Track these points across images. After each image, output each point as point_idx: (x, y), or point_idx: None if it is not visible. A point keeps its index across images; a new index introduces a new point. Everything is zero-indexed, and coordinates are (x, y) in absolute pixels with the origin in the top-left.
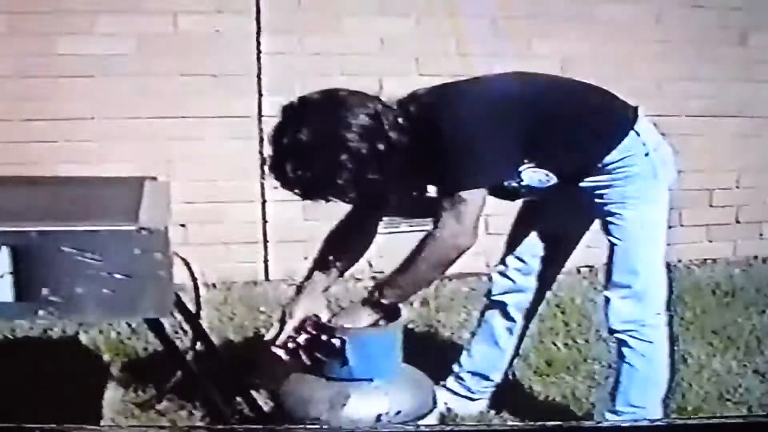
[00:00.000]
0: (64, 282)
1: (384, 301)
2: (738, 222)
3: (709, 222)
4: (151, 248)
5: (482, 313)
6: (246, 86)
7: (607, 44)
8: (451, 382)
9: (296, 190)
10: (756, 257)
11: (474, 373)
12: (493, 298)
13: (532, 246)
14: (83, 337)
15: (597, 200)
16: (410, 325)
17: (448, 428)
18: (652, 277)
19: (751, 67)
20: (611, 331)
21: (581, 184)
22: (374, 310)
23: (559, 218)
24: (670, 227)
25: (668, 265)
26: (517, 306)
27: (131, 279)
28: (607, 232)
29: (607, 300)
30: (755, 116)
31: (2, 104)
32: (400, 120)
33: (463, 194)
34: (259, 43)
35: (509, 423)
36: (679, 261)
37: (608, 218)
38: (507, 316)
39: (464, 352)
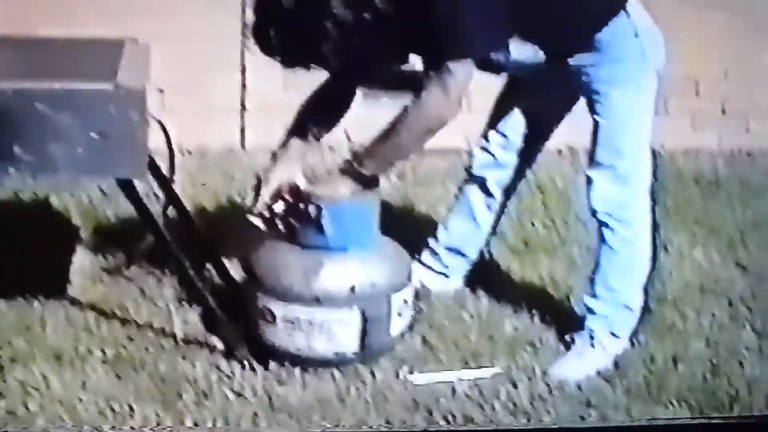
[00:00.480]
0: (38, 140)
1: (363, 171)
2: (724, 113)
3: (695, 111)
4: (128, 108)
5: (461, 188)
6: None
7: None
8: (426, 257)
9: (277, 57)
10: (740, 150)
11: (450, 249)
12: (472, 172)
13: (515, 122)
14: (54, 200)
15: (584, 78)
16: (387, 199)
17: (444, 428)
18: (637, 160)
19: None
20: (593, 212)
21: (569, 62)
22: (352, 180)
23: (544, 95)
24: (655, 114)
25: (652, 152)
26: (496, 182)
27: (106, 139)
28: (593, 111)
29: (590, 180)
30: (746, 10)
31: None
32: None
33: (451, 65)
34: None
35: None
36: (662, 147)
37: (595, 96)
38: (486, 191)
39: (441, 227)
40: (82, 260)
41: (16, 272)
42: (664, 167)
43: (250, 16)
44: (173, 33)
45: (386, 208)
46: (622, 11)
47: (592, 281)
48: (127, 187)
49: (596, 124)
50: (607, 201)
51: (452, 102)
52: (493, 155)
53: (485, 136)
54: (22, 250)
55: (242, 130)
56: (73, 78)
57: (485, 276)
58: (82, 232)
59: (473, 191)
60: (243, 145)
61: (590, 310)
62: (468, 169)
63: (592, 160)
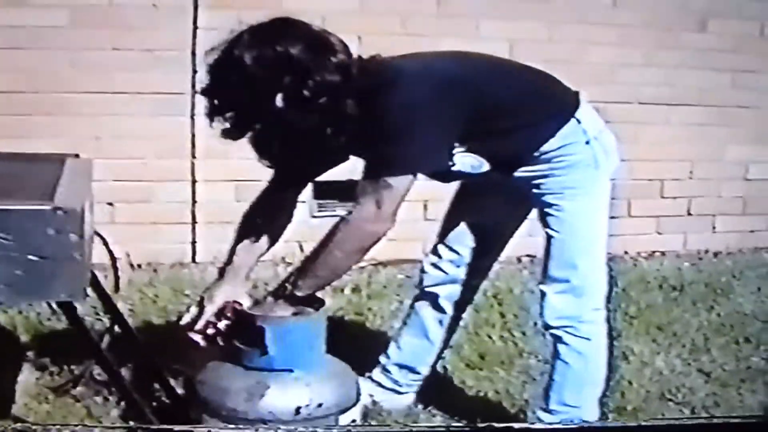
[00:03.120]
0: None
1: (297, 292)
2: (690, 214)
3: (660, 213)
4: (67, 229)
5: (412, 304)
6: (180, 62)
7: (560, 26)
8: (377, 374)
9: (222, 120)
10: (707, 251)
11: (401, 366)
12: (423, 288)
13: (465, 236)
14: (1, 317)
15: (534, 190)
16: (340, 313)
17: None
18: (591, 272)
19: (710, 54)
20: (546, 327)
21: (516, 174)
22: (289, 302)
23: (494, 207)
24: (616, 218)
25: (614, 258)
26: (448, 297)
27: (45, 260)
28: (545, 224)
29: (543, 294)
30: (711, 105)
31: None
32: (337, 76)
33: (390, 179)
34: (195, 19)
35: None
36: (626, 253)
37: (546, 209)
38: (437, 307)
39: (392, 344)
40: (27, 379)
41: None
42: (628, 271)
43: (199, 126)
44: (122, 146)
45: (339, 323)
46: (572, 118)
47: (546, 395)
48: (67, 308)
49: (548, 237)
50: (561, 315)
51: (386, 216)
52: (444, 271)
53: (435, 251)
54: None
55: (193, 243)
56: (11, 198)
57: (439, 390)
58: (28, 350)
59: (424, 307)
60: (194, 259)
61: None
62: (419, 285)
63: (545, 274)
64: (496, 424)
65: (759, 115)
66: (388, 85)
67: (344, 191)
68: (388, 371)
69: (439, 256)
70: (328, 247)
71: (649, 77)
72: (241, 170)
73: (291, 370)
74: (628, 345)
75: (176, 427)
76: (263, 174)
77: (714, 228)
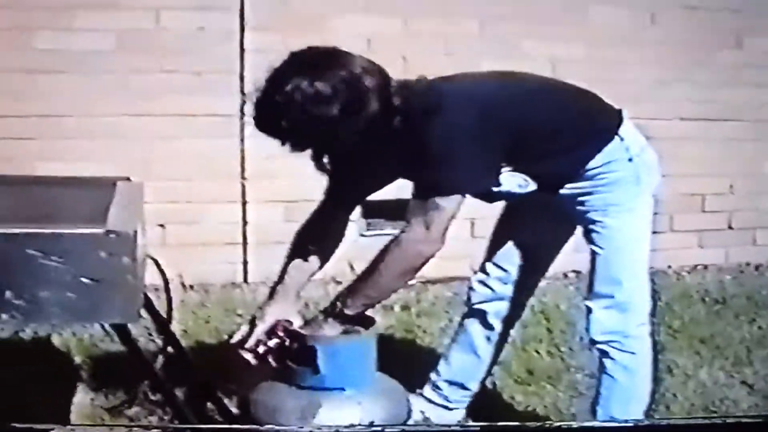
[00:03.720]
0: (29, 285)
1: (347, 311)
2: (731, 228)
3: (701, 228)
4: (119, 252)
5: (461, 322)
6: (228, 85)
7: (600, 46)
8: (428, 390)
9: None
10: (748, 264)
11: (451, 382)
12: (472, 306)
13: (512, 253)
14: (55, 339)
15: (578, 207)
16: (390, 331)
17: (444, 428)
18: (636, 287)
19: (746, 71)
20: (592, 342)
21: (561, 191)
22: (339, 321)
23: (540, 225)
24: (659, 233)
25: (657, 272)
26: (496, 314)
27: (97, 283)
28: (590, 241)
29: (589, 310)
30: (750, 120)
31: None
32: (389, 100)
33: (438, 200)
34: (242, 41)
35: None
36: (669, 267)
37: (590, 226)
38: (486, 324)
39: (442, 360)
40: (82, 399)
41: (14, 412)
42: (671, 286)
43: (248, 147)
44: (172, 168)
45: (389, 341)
46: (615, 136)
47: (593, 410)
48: (120, 330)
49: (593, 254)
50: (606, 330)
51: (435, 237)
52: (491, 288)
53: (483, 269)
54: (22, 389)
55: (245, 264)
56: (64, 222)
57: (488, 406)
58: (83, 371)
59: (473, 324)
60: (245, 279)
61: None
62: (467, 303)
63: (590, 290)
64: (496, 424)
65: None
66: (434, 107)
67: (393, 210)
68: (439, 388)
69: (487, 274)
70: (378, 267)
71: (688, 94)
72: (291, 191)
73: (343, 389)
74: (672, 358)
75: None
76: (313, 194)
77: (755, 241)
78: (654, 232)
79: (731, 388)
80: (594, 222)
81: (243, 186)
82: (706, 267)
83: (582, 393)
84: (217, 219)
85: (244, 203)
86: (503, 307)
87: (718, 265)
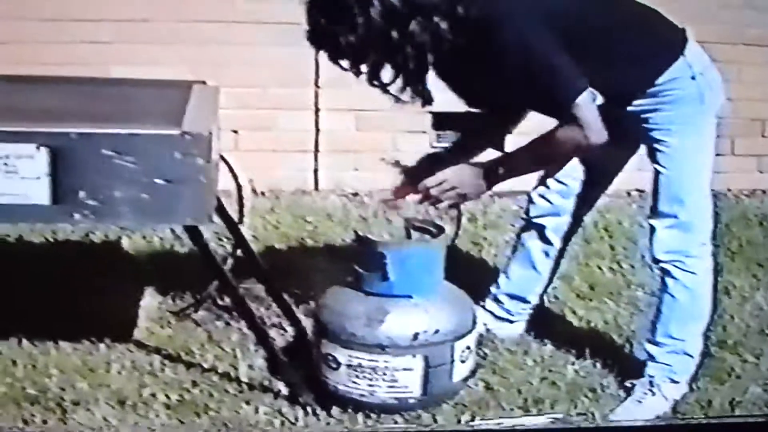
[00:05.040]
0: (102, 185)
1: (499, 169)
2: None
3: (761, 152)
4: (193, 153)
5: (519, 235)
6: None
7: None
8: (489, 303)
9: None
10: None
11: (511, 296)
12: (530, 219)
13: (574, 168)
14: (125, 242)
15: (643, 125)
16: (455, 243)
17: (447, 429)
18: (698, 207)
19: None
20: (655, 261)
21: (628, 108)
22: (484, 174)
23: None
24: (720, 155)
25: (716, 194)
26: (554, 229)
27: (170, 184)
28: (653, 159)
29: (652, 229)
30: None
31: (51, 3)
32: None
33: (574, 110)
34: None
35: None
36: (729, 190)
37: (654, 145)
38: (544, 238)
39: (501, 274)
40: (150, 303)
41: (83, 315)
42: (729, 208)
43: (322, 55)
44: (246, 74)
45: (454, 252)
46: (680, 54)
47: (653, 328)
48: (193, 232)
49: (657, 173)
50: (669, 250)
51: (598, 128)
52: (551, 202)
53: (543, 183)
54: (91, 292)
55: (315, 172)
56: (139, 123)
57: (549, 320)
58: (151, 275)
59: (532, 238)
60: (316, 187)
61: (651, 357)
62: (526, 216)
63: (653, 209)
64: (496, 425)
65: None
66: (502, 15)
67: (462, 121)
68: (500, 301)
69: (548, 187)
70: (542, 142)
71: (752, 19)
72: (363, 101)
73: (410, 296)
74: (730, 280)
75: None
76: (383, 104)
77: None
78: (716, 155)
79: None
80: (658, 141)
81: (316, 93)
82: (765, 192)
83: (642, 310)
84: (289, 126)
85: (317, 111)
86: (562, 221)
87: None
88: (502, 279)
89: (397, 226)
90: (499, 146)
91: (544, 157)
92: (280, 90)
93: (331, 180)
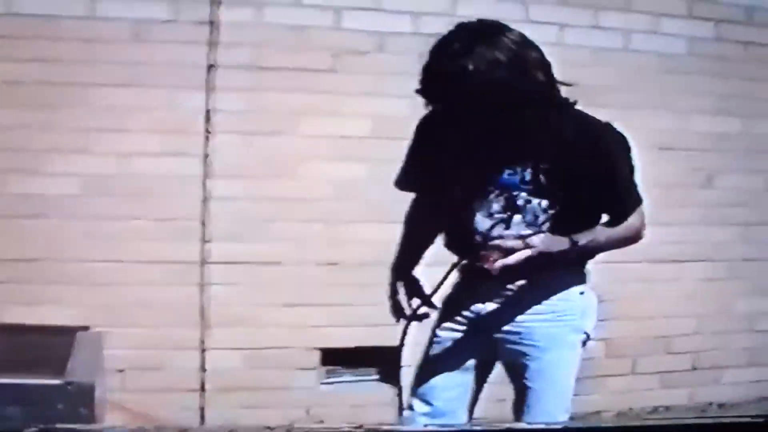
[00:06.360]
0: None
1: (580, 240)
2: (695, 369)
3: (666, 369)
4: (77, 402)
5: None
6: (191, 231)
7: None
8: None
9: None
10: (711, 404)
11: None
12: None
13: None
14: None
15: (515, 339)
16: None
17: (448, 429)
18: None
19: (717, 210)
20: None
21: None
22: (567, 243)
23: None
24: (621, 375)
25: (619, 413)
26: None
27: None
28: (520, 375)
29: None
30: (719, 260)
31: None
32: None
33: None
34: (205, 188)
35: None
36: (630, 409)
37: (522, 360)
38: None
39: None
40: None
41: None
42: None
43: (208, 294)
44: (136, 314)
45: None
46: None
47: None
48: None
49: (523, 389)
50: None
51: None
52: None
53: (410, 407)
54: None
55: (202, 409)
56: (23, 371)
57: None
58: None
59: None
60: (202, 423)
61: None
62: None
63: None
64: (497, 424)
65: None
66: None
67: (352, 358)
68: None
69: (413, 410)
70: (617, 236)
71: (660, 236)
72: (250, 339)
73: None
74: None
75: None
76: (274, 342)
77: (719, 381)
78: (615, 375)
79: None
80: (528, 356)
81: (203, 333)
82: (668, 408)
83: None
84: (177, 365)
85: (203, 350)
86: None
87: (682, 405)
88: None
89: None
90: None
91: (618, 243)
92: (167, 330)
93: (218, 418)
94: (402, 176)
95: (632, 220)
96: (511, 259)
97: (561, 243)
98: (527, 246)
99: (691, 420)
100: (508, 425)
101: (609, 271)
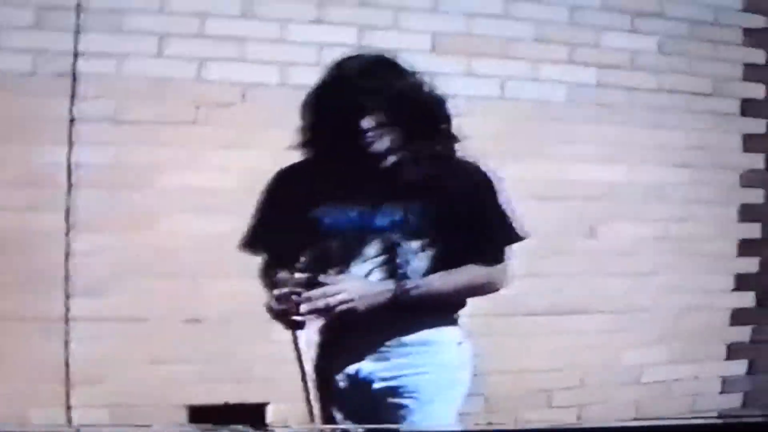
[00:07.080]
0: None
1: (411, 291)
2: (579, 418)
3: (549, 423)
4: None
5: None
6: (53, 286)
7: None
8: None
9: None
10: None
11: None
12: None
13: None
14: None
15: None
16: None
17: (448, 429)
18: None
19: (600, 261)
20: None
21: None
22: (391, 290)
23: None
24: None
25: None
26: None
27: None
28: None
29: None
30: (604, 311)
31: None
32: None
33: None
34: (68, 243)
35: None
36: None
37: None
38: None
39: None
40: None
41: None
42: None
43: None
44: None
45: None
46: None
47: None
48: None
49: None
50: None
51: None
52: None
53: None
54: None
55: None
56: None
57: None
58: None
59: None
60: None
61: None
62: None
63: None
64: (497, 424)
65: (655, 318)
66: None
67: (221, 415)
68: None
69: None
70: (458, 281)
71: (538, 287)
72: (115, 396)
73: None
74: None
75: None
76: (142, 399)
77: None
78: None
79: None
80: (407, 408)
81: (67, 390)
82: None
83: None
84: (39, 423)
85: (68, 408)
86: None
87: None
88: None
89: None
90: None
91: (462, 293)
92: (31, 386)
93: None
94: (251, 237)
95: (481, 270)
96: (318, 303)
97: (382, 290)
98: (338, 293)
99: (692, 421)
100: (507, 426)
101: (484, 325)
